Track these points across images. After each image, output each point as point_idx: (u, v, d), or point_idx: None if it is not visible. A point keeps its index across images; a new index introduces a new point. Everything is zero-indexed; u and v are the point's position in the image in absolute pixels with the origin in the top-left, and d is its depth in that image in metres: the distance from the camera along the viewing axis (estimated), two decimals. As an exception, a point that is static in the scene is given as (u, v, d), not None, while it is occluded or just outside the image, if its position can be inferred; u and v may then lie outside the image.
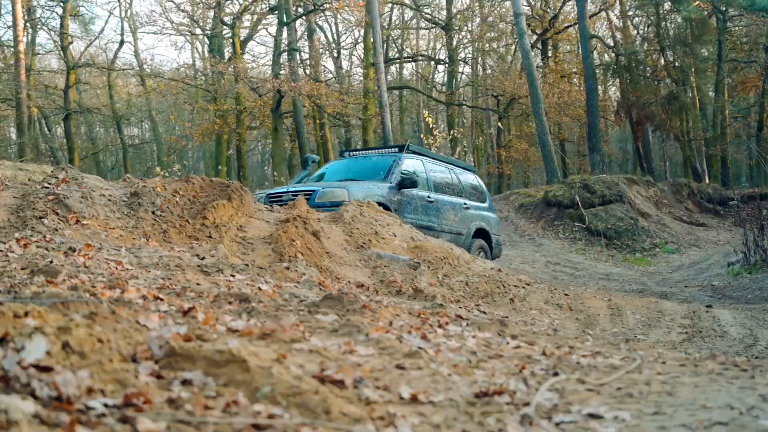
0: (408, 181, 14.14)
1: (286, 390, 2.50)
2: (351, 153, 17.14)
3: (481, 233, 16.60)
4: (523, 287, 9.31)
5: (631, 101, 39.55)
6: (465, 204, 16.32)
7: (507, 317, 5.90)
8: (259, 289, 5.94)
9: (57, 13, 40.90)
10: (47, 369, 2.31)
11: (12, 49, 36.19)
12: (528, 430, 2.53)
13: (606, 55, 47.98)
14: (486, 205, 17.51)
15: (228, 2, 40.77)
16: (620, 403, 2.90)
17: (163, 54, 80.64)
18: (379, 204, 12.88)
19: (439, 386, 3.01)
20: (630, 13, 43.90)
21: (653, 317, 9.06)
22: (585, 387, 3.16)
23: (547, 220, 26.51)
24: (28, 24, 38.57)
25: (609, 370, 3.58)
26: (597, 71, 39.43)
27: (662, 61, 41.81)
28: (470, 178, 17.52)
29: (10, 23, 36.20)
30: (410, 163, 15.17)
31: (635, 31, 45.27)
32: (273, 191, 14.00)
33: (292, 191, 13.37)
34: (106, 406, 2.16)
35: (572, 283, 14.86)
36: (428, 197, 15.00)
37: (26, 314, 2.90)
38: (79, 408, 2.09)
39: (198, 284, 5.85)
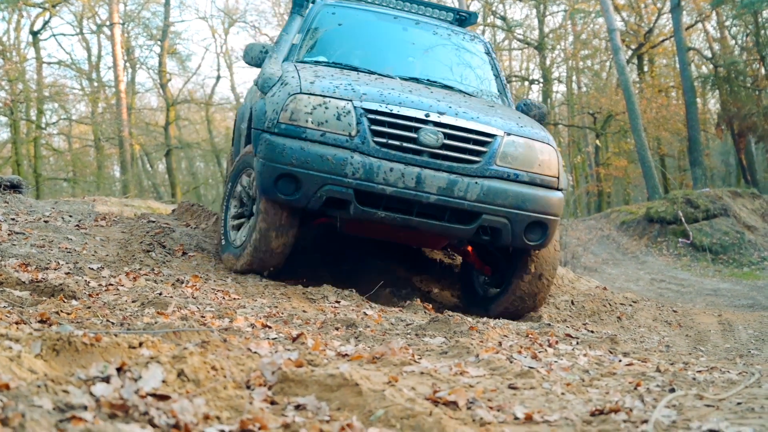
0: (541, 115, 8.53)
1: (399, 413, 2.49)
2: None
3: None
4: (630, 305, 9.15)
5: (732, 113, 38.71)
6: None
7: (616, 335, 5.80)
8: (365, 314, 5.96)
9: (155, 52, 41.86)
10: (164, 397, 2.33)
11: (113, 89, 37.13)
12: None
13: (704, 67, 47.07)
14: None
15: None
16: (741, 419, 2.82)
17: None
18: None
19: (553, 405, 2.97)
20: (727, 23, 43.03)
21: (766, 332, 8.83)
22: (703, 403, 3.09)
23: (650, 237, 26.04)
24: (127, 64, 39.54)
25: (727, 386, 3.49)
26: (695, 84, 38.66)
27: (763, 70, 40.88)
28: None
29: (111, 64, 37.18)
30: None
31: (733, 41, 44.34)
32: (381, 108, 6.76)
33: (435, 121, 6.78)
34: (223, 432, 2.18)
35: (679, 300, 14.57)
36: None
37: (141, 345, 2.95)
38: (196, 435, 2.11)
39: (304, 311, 5.88)
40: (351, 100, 6.71)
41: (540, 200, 6.93)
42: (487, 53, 9.19)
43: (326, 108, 6.68)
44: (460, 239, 7.58)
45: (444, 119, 6.75)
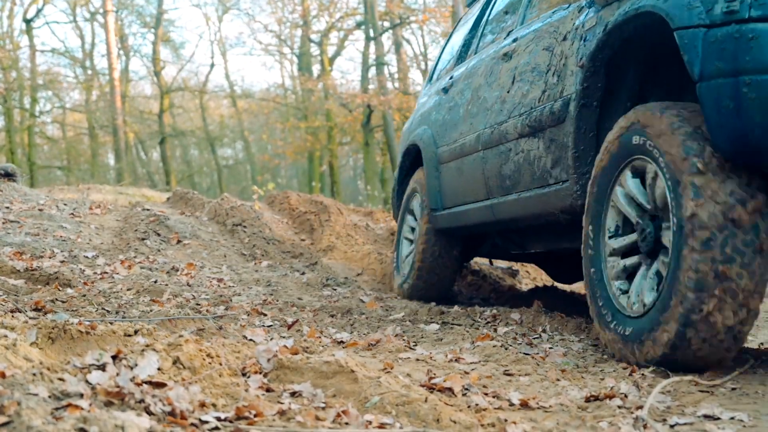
0: None
1: (395, 399, 2.49)
2: None
3: None
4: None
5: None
6: None
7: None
8: (361, 301, 5.96)
9: (149, 40, 41.75)
10: (160, 385, 2.33)
11: (107, 77, 37.03)
12: (643, 433, 2.48)
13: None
14: None
15: (315, 20, 41.17)
16: (736, 404, 2.84)
17: (253, 75, 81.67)
18: None
19: (548, 391, 2.98)
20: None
21: (761, 318, 8.83)
22: (698, 388, 3.10)
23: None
24: (121, 52, 39.39)
25: (722, 372, 3.50)
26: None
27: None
28: None
29: (104, 52, 37.08)
30: None
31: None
32: None
33: None
34: (218, 419, 2.18)
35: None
36: None
37: (136, 332, 2.95)
38: (192, 422, 2.11)
39: (300, 299, 5.89)
40: None
41: None
42: None
43: None
44: None
45: None
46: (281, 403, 2.44)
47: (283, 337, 3.69)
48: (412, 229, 7.16)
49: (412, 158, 7.36)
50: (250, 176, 46.89)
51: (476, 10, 7.07)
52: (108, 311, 4.26)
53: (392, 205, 7.93)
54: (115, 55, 36.03)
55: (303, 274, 7.15)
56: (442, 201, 6.48)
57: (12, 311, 3.79)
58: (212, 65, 49.21)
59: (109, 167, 42.81)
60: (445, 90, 6.72)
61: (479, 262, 8.14)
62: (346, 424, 2.29)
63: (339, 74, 45.43)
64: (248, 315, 4.64)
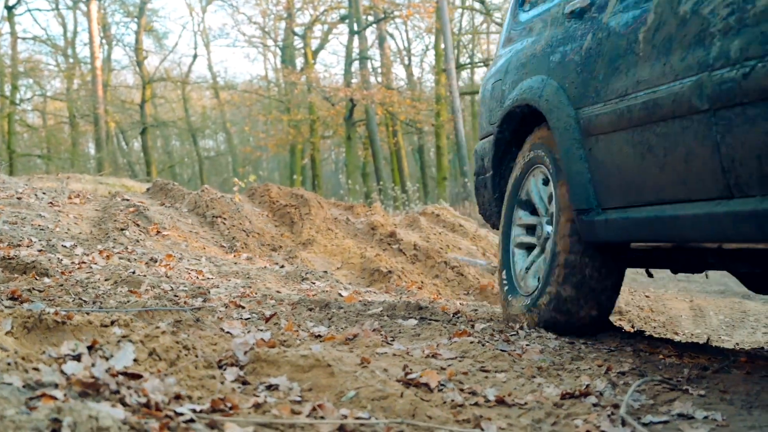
0: None
1: (371, 394, 2.50)
2: None
3: None
4: (603, 289, 9.21)
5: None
6: None
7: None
8: (339, 295, 5.96)
9: (131, 29, 41.69)
10: (136, 376, 2.33)
11: (89, 66, 36.88)
12: (618, 431, 2.49)
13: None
14: None
15: (299, 13, 41.14)
16: (710, 404, 2.85)
17: (236, 66, 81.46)
18: None
19: (524, 388, 2.99)
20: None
21: (737, 318, 8.90)
22: (673, 388, 3.11)
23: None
24: (103, 41, 39.27)
25: (697, 371, 3.51)
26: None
27: None
28: None
29: (87, 41, 36.94)
30: None
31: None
32: None
33: None
34: (194, 411, 2.17)
35: (652, 285, 14.68)
36: None
37: (113, 323, 2.94)
38: (167, 414, 2.10)
39: (278, 292, 5.88)
40: None
41: None
42: None
43: None
44: None
45: None
46: (257, 396, 2.44)
47: (261, 330, 3.68)
48: (532, 231, 4.90)
49: (516, 126, 5.00)
50: (232, 168, 46.86)
51: None
52: (85, 301, 4.24)
53: (479, 199, 5.65)
54: (98, 44, 35.91)
55: (282, 267, 7.14)
56: (599, 197, 4.02)
57: (-12, 300, 3.77)
58: (195, 56, 49.30)
59: (90, 156, 42.67)
60: (578, 13, 4.29)
61: (457, 258, 8.14)
62: (322, 418, 2.29)
63: (322, 68, 45.44)
64: (226, 307, 4.63)
